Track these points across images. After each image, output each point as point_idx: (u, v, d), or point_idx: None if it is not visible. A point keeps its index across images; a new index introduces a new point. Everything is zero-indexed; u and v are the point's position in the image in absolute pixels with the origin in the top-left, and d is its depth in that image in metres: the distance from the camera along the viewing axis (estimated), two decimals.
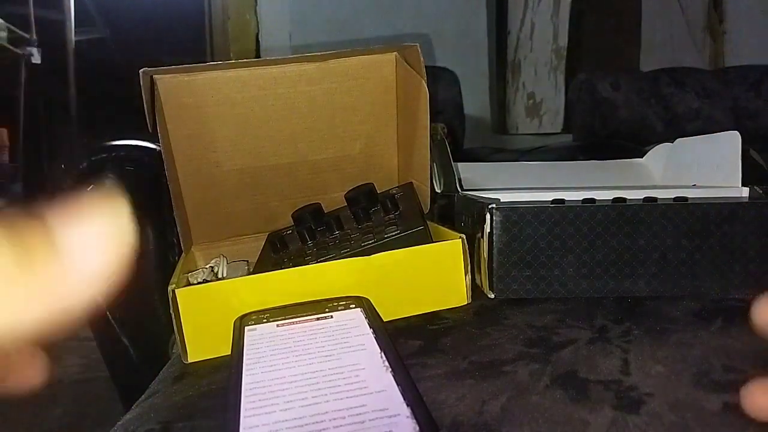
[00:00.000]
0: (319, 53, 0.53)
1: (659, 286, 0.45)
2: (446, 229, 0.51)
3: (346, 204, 0.56)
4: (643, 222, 0.44)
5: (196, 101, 0.53)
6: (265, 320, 0.39)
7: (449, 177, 0.62)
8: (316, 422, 0.26)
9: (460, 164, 0.68)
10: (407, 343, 0.39)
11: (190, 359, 0.41)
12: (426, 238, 0.48)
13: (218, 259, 0.58)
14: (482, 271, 0.47)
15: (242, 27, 2.04)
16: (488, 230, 0.45)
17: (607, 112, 1.96)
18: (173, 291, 0.41)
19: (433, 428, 0.26)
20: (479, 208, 0.47)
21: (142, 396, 0.39)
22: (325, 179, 0.61)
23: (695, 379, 0.31)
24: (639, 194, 0.48)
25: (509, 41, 2.35)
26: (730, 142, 0.58)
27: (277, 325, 0.38)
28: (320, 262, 0.48)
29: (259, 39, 2.05)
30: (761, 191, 0.52)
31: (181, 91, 0.53)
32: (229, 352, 0.37)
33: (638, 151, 0.79)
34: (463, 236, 0.46)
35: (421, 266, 0.45)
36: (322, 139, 0.59)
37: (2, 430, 1.22)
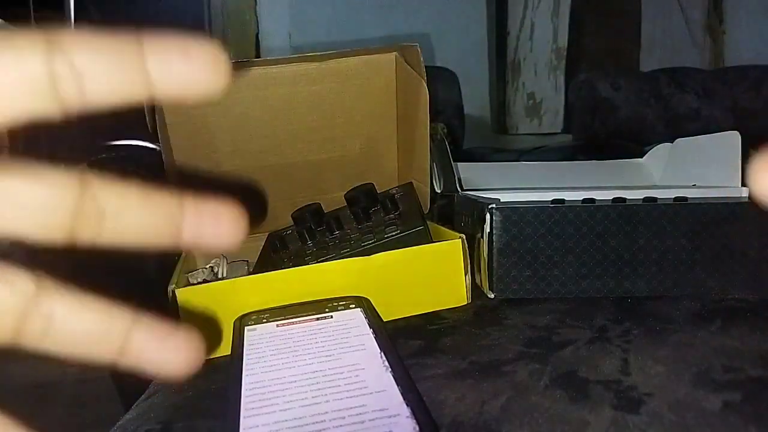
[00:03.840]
0: (319, 53, 0.53)
1: (659, 286, 0.45)
2: (446, 229, 0.51)
3: (346, 204, 0.56)
4: (643, 222, 0.44)
5: None
6: (265, 320, 0.39)
7: (449, 177, 0.62)
8: (316, 422, 0.26)
9: (460, 164, 0.68)
10: (407, 343, 0.39)
11: None
12: (426, 238, 0.48)
13: (218, 259, 0.58)
14: (482, 271, 0.47)
15: (242, 27, 2.04)
16: (488, 230, 0.45)
17: (607, 112, 1.96)
18: (173, 291, 0.41)
19: (433, 428, 0.26)
20: (479, 208, 0.47)
21: (142, 396, 0.39)
22: (325, 179, 0.61)
23: (695, 379, 0.31)
24: (639, 194, 0.48)
25: (509, 41, 2.35)
26: (730, 142, 0.58)
27: (277, 325, 0.38)
28: (320, 262, 0.48)
29: (259, 39, 2.05)
30: None
31: None
32: (229, 352, 0.37)
33: (638, 151, 0.79)
34: (463, 236, 0.46)
35: (421, 266, 0.45)
36: (322, 139, 0.59)
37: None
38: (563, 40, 2.28)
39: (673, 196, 0.47)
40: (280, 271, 0.44)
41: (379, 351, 0.33)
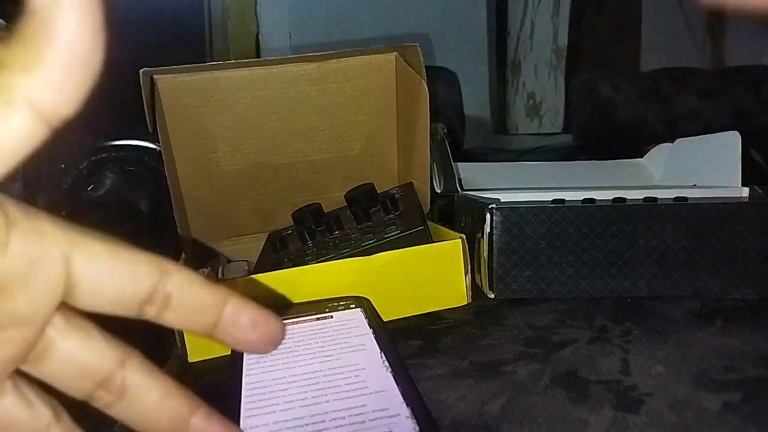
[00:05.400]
0: (319, 53, 0.53)
1: (659, 286, 0.45)
2: (446, 229, 0.51)
3: (346, 204, 0.56)
4: (643, 222, 0.44)
5: (196, 101, 0.53)
6: None
7: (449, 177, 0.62)
8: (316, 422, 0.26)
9: (460, 164, 0.68)
10: (407, 343, 0.39)
11: (190, 359, 0.41)
12: (426, 238, 0.48)
13: (218, 259, 0.58)
14: (482, 271, 0.47)
15: (242, 27, 2.04)
16: (488, 230, 0.45)
17: (607, 112, 1.96)
18: None
19: (433, 428, 0.26)
20: (479, 208, 0.47)
21: None
22: (325, 179, 0.61)
23: (695, 379, 0.31)
24: (639, 194, 0.48)
25: (509, 41, 2.35)
26: (730, 142, 0.58)
27: None
28: (320, 262, 0.48)
29: (259, 39, 2.05)
30: (761, 191, 0.52)
31: (181, 91, 0.52)
32: (229, 352, 0.37)
33: (638, 151, 0.78)
34: (463, 236, 0.46)
35: (421, 266, 0.45)
36: (322, 139, 0.59)
37: None
38: (563, 40, 2.28)
39: (673, 196, 0.47)
40: (280, 271, 0.44)
41: (379, 351, 0.33)
